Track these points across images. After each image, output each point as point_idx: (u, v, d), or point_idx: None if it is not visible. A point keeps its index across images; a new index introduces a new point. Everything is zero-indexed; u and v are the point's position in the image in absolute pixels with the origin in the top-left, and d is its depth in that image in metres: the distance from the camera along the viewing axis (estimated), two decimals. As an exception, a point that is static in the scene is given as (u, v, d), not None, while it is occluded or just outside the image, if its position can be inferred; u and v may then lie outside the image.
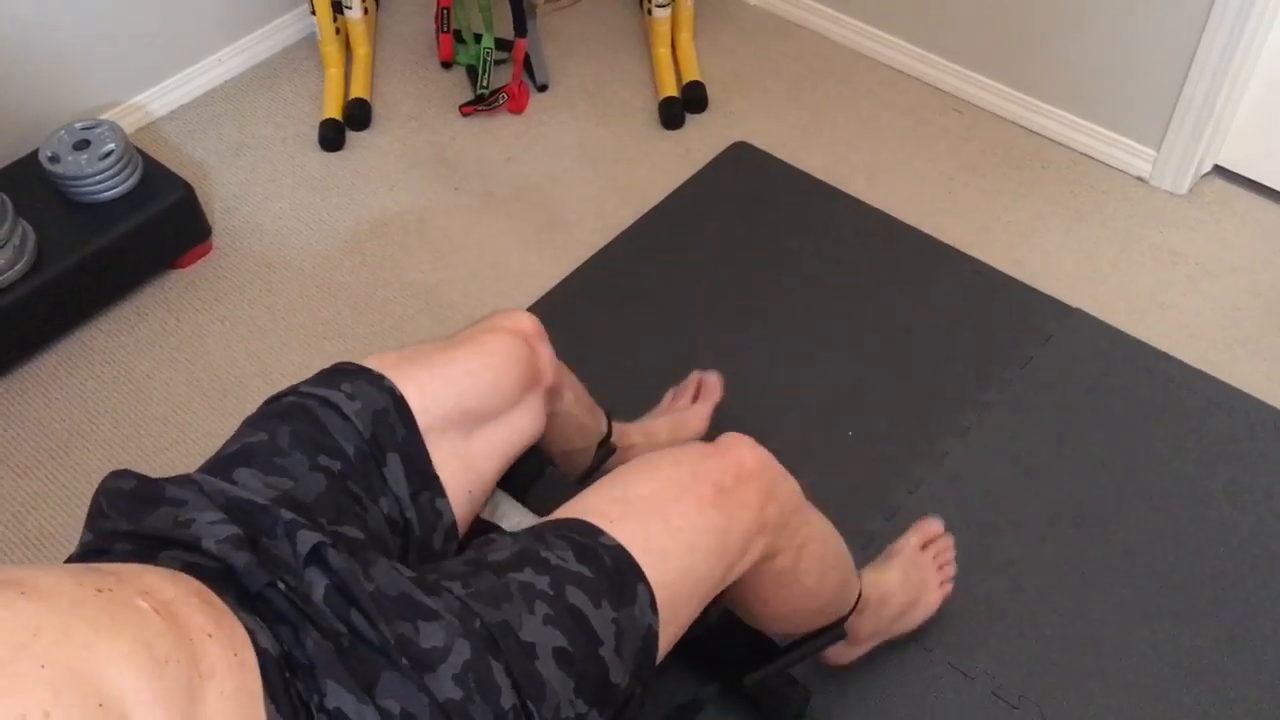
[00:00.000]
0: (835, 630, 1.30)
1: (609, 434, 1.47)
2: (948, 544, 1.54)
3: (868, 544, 1.61)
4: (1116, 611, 1.55)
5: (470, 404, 1.07)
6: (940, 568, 1.52)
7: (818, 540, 1.17)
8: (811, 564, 1.16)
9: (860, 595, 1.32)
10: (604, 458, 1.46)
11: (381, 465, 1.00)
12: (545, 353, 1.20)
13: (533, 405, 1.16)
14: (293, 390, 1.04)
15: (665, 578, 0.94)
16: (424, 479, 1.03)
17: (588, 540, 0.93)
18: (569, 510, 0.99)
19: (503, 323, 1.17)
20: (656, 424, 1.66)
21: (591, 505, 0.99)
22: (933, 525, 1.54)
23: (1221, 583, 1.57)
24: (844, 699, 1.46)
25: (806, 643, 1.31)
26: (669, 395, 1.76)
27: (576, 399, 1.36)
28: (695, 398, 1.74)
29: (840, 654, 1.42)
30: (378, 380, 1.03)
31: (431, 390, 1.04)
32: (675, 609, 0.95)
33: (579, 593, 0.89)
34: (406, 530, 1.02)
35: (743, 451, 1.06)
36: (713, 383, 1.75)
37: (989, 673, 1.49)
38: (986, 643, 1.52)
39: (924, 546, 1.52)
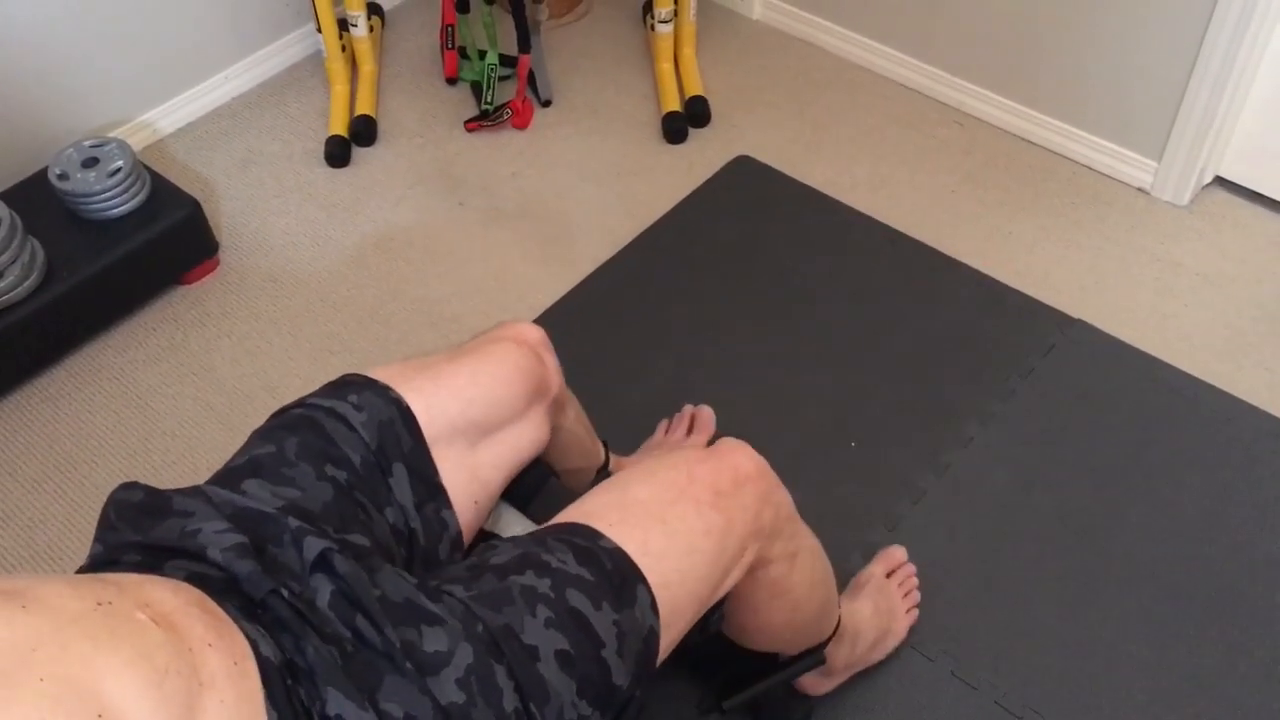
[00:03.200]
0: (817, 654, 1.31)
1: (606, 463, 1.48)
2: (910, 570, 1.57)
3: (870, 555, 1.62)
4: (1120, 621, 1.55)
5: (476, 414, 1.08)
6: (906, 595, 1.54)
7: (808, 552, 1.18)
8: (803, 575, 1.17)
9: (839, 623, 1.33)
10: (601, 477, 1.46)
11: (387, 475, 1.01)
12: (551, 363, 1.20)
13: (538, 417, 1.17)
14: (300, 403, 1.05)
15: (665, 579, 0.95)
16: (429, 489, 1.04)
17: (587, 543, 0.94)
18: (568, 515, 1.00)
19: (509, 333, 1.17)
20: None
21: (590, 510, 0.99)
22: (896, 553, 1.57)
23: (1226, 593, 1.58)
24: (846, 710, 1.47)
25: (788, 666, 1.31)
26: (661, 427, 1.76)
27: (578, 419, 1.37)
28: (689, 431, 1.74)
29: (816, 684, 1.43)
30: (384, 391, 1.04)
31: (438, 400, 1.05)
32: (676, 610, 0.96)
33: (580, 595, 0.90)
34: (412, 540, 1.03)
35: (739, 456, 1.07)
36: (706, 416, 1.76)
37: (992, 683, 1.49)
38: (990, 653, 1.52)
39: (889, 575, 1.55)
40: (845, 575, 1.59)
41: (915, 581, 1.56)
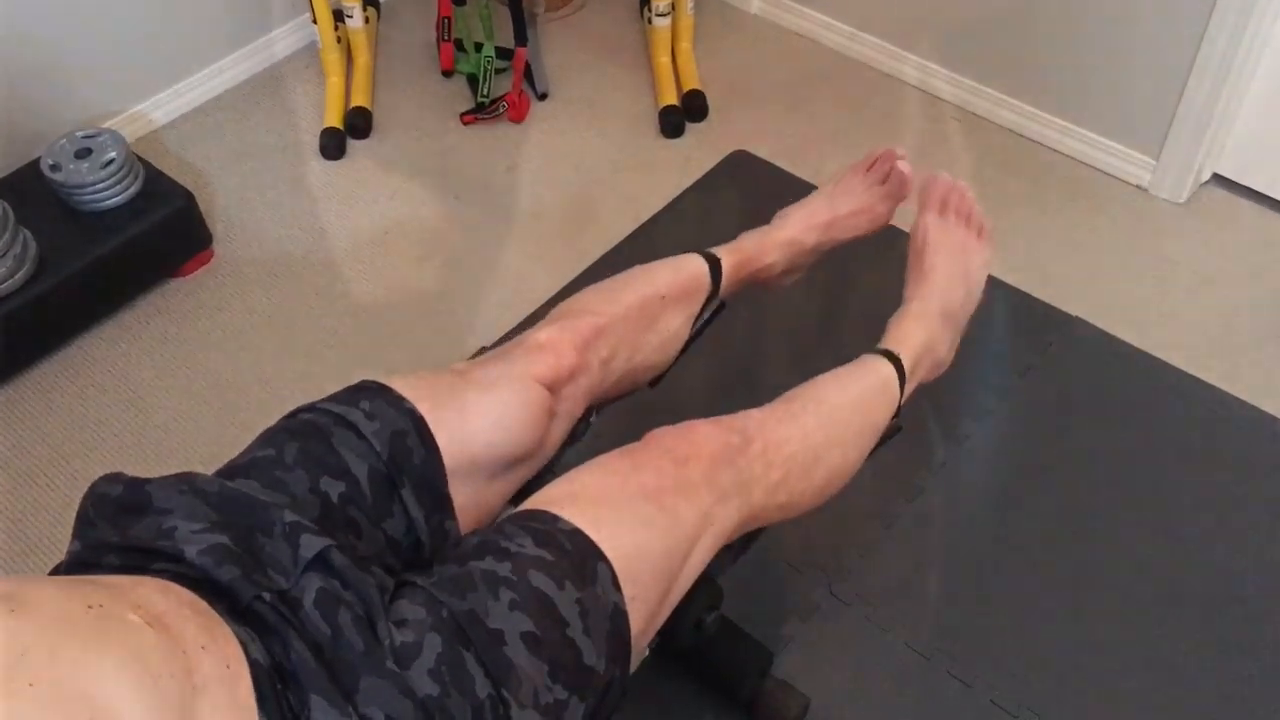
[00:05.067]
0: (888, 437, 1.27)
1: (715, 290, 1.41)
2: (960, 192, 1.44)
3: (866, 553, 1.61)
4: (1116, 619, 1.55)
5: (500, 454, 1.08)
6: (967, 219, 1.43)
7: (798, 458, 1.13)
8: (812, 479, 1.14)
9: (902, 385, 1.29)
10: (710, 319, 1.40)
11: (399, 487, 1.01)
12: (578, 388, 1.19)
13: (552, 438, 1.17)
14: (311, 406, 1.03)
15: (622, 552, 0.95)
16: (436, 501, 1.03)
17: (545, 526, 0.95)
18: (521, 507, 1.01)
19: (539, 368, 1.15)
20: (812, 210, 1.51)
21: (541, 499, 1.00)
22: (938, 185, 1.44)
23: (1223, 591, 1.57)
24: (842, 707, 1.46)
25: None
26: (864, 161, 1.53)
27: (635, 349, 1.31)
28: (884, 180, 1.51)
29: (937, 371, 1.39)
30: (398, 401, 1.03)
31: (461, 439, 1.05)
32: (639, 584, 0.95)
33: (542, 576, 0.90)
34: (417, 549, 1.03)
35: (671, 440, 1.06)
36: (904, 177, 1.49)
37: (988, 681, 1.49)
38: (986, 651, 1.52)
39: (941, 211, 1.44)
40: (833, 571, 1.59)
41: (969, 198, 1.43)
